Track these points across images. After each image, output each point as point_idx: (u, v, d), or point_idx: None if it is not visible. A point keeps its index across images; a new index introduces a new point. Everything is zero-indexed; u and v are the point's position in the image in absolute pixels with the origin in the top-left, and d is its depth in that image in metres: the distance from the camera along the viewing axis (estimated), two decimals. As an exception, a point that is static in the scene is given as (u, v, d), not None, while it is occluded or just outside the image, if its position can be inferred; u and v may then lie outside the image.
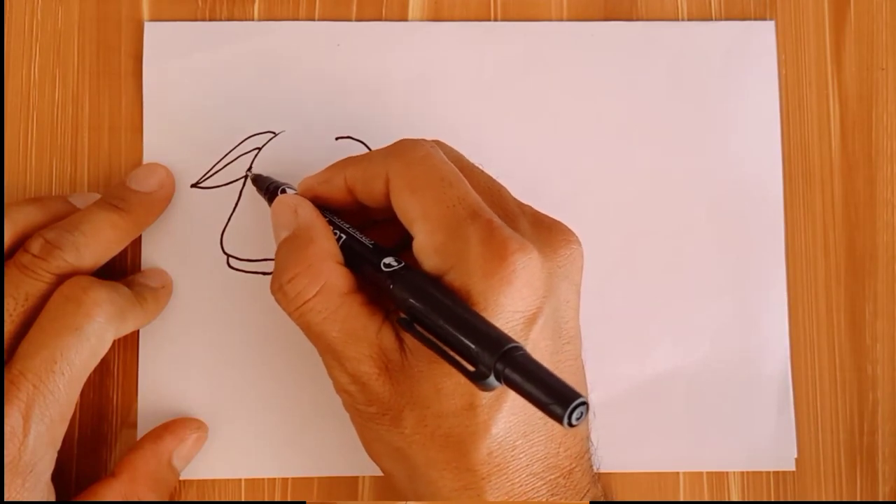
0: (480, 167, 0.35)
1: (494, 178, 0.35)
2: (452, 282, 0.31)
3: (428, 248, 0.32)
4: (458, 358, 0.29)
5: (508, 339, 0.29)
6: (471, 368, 0.29)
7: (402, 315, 0.31)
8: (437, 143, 0.35)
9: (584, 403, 0.26)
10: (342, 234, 0.34)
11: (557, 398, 0.26)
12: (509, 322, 0.31)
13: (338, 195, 0.35)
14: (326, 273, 0.32)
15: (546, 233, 0.33)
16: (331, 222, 0.35)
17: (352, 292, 0.33)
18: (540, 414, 0.31)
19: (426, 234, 0.32)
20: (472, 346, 0.29)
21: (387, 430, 0.32)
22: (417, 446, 0.32)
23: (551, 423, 0.31)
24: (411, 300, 0.31)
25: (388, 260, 0.32)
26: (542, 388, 0.27)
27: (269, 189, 0.37)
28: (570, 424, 0.26)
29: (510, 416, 0.31)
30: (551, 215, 0.34)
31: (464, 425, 0.31)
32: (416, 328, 0.31)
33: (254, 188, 0.39)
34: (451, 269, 0.31)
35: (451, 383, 0.31)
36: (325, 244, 0.33)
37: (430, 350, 0.30)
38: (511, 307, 0.31)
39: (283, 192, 0.36)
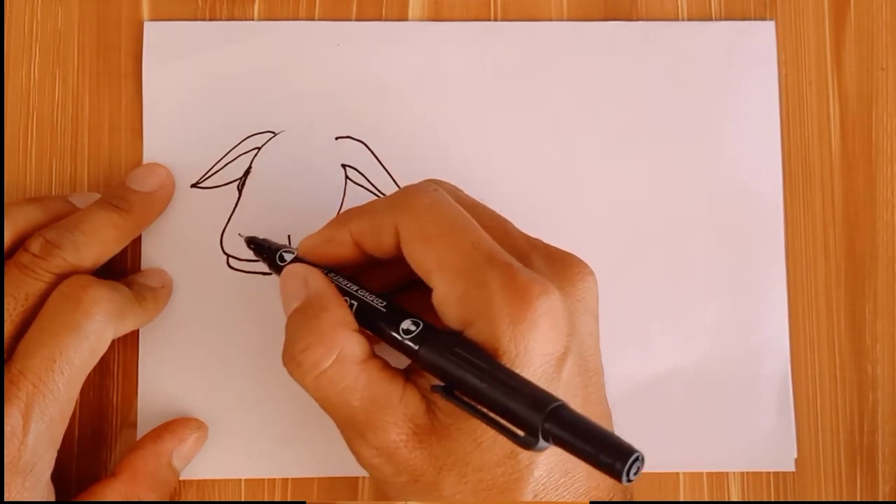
0: (483, 203, 0.35)
1: (499, 213, 0.34)
2: (478, 333, 0.30)
3: (450, 300, 0.31)
4: (502, 422, 0.28)
5: (551, 398, 0.28)
6: (518, 433, 0.28)
7: (437, 383, 0.30)
8: (439, 183, 0.34)
9: (640, 458, 0.26)
10: (353, 301, 0.33)
11: (614, 455, 0.26)
12: (541, 367, 0.30)
13: (343, 252, 0.34)
14: (342, 341, 0.31)
15: (560, 267, 0.33)
16: (340, 289, 0.33)
17: (369, 359, 0.32)
18: None
19: (446, 285, 0.31)
20: (515, 409, 0.28)
21: (422, 495, 0.31)
22: (454, 502, 0.31)
23: None
24: (442, 366, 0.30)
25: (406, 325, 0.31)
26: (597, 446, 0.26)
27: (268, 253, 0.36)
28: (629, 480, 0.26)
29: (551, 456, 0.31)
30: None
31: (507, 474, 0.30)
32: (456, 396, 0.30)
33: (254, 199, 0.39)
34: (476, 320, 0.30)
35: (490, 435, 0.30)
36: (337, 312, 0.32)
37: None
38: (541, 351, 0.30)
39: (282, 258, 0.35)
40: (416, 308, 0.32)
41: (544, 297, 0.30)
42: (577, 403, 0.31)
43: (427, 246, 0.31)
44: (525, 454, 0.30)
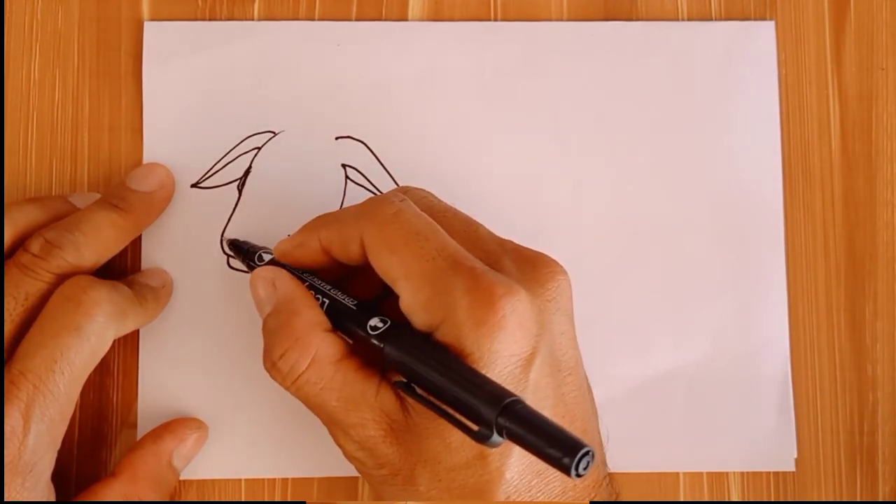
0: (453, 206, 0.35)
1: (470, 217, 0.35)
2: (444, 336, 0.31)
3: (415, 306, 0.31)
4: (459, 417, 0.29)
5: (507, 393, 0.28)
6: (474, 428, 0.28)
7: (400, 378, 0.31)
8: (406, 190, 0.35)
9: (590, 452, 0.26)
10: (325, 299, 0.34)
11: (563, 449, 0.26)
12: (507, 367, 0.30)
13: (314, 257, 0.35)
14: (316, 343, 0.32)
15: (531, 268, 0.33)
16: (311, 286, 0.34)
17: (344, 358, 0.33)
18: None
19: (411, 293, 0.31)
20: (471, 404, 0.28)
21: (401, 490, 0.32)
22: (436, 502, 0.31)
23: None
24: (404, 361, 0.31)
25: (373, 322, 0.32)
26: (547, 440, 0.27)
27: (246, 255, 0.37)
28: (578, 475, 0.26)
29: (522, 458, 0.31)
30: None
31: (477, 475, 0.31)
32: (414, 390, 0.30)
33: (254, 199, 0.39)
34: (441, 324, 0.31)
35: (458, 436, 0.30)
36: (309, 314, 0.33)
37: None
38: (506, 352, 0.30)
39: (261, 258, 0.36)
40: (394, 315, 0.33)
41: (508, 298, 0.30)
42: (548, 404, 0.31)
43: (392, 255, 0.32)
44: (494, 456, 0.31)
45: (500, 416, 0.28)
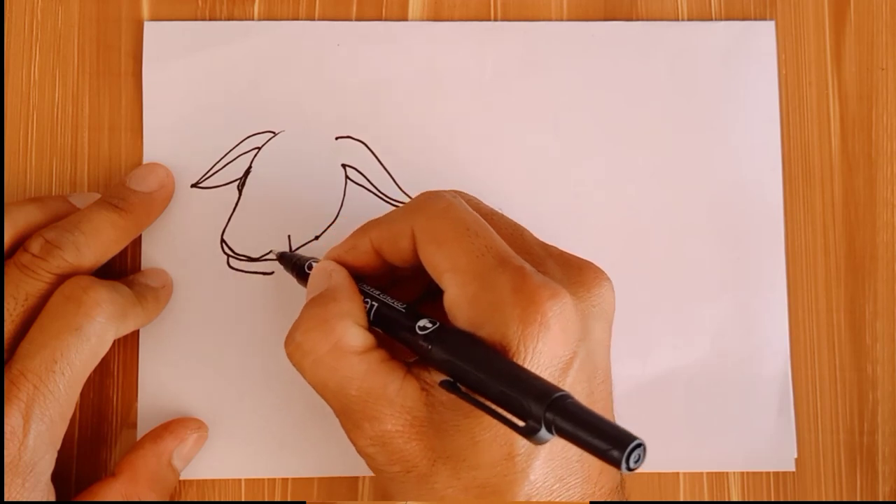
0: (500, 211, 0.35)
1: (516, 221, 0.35)
2: (489, 333, 0.30)
3: (461, 301, 0.31)
4: (505, 414, 0.29)
5: (555, 389, 0.28)
6: (520, 423, 0.28)
7: (445, 378, 0.31)
8: (458, 192, 0.35)
9: (641, 445, 0.26)
10: (374, 303, 0.34)
11: (614, 443, 0.26)
12: (547, 369, 0.30)
13: (366, 259, 0.34)
14: (340, 331, 0.32)
15: (577, 273, 0.33)
16: (362, 291, 0.34)
17: (368, 351, 0.32)
18: (576, 457, 0.31)
19: (458, 287, 0.31)
20: (519, 400, 0.28)
21: (414, 487, 0.32)
22: (449, 500, 0.31)
23: (587, 465, 0.32)
24: (451, 360, 0.30)
25: (422, 322, 0.32)
26: (597, 435, 0.26)
27: (296, 265, 0.37)
28: (629, 469, 0.26)
29: (548, 461, 0.31)
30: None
31: (501, 475, 0.31)
32: (460, 389, 0.30)
33: (254, 199, 0.39)
34: (486, 322, 0.31)
35: (489, 435, 0.30)
36: (345, 305, 0.33)
37: (469, 405, 0.30)
38: (549, 353, 0.30)
39: (310, 266, 0.36)
40: (437, 318, 0.33)
41: (554, 301, 0.30)
42: None
43: (440, 248, 0.32)
44: (521, 457, 0.30)
45: (549, 410, 0.27)
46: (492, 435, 0.30)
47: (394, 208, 0.39)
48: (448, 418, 0.31)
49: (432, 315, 0.32)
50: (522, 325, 0.30)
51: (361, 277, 0.35)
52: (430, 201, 0.33)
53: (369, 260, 0.34)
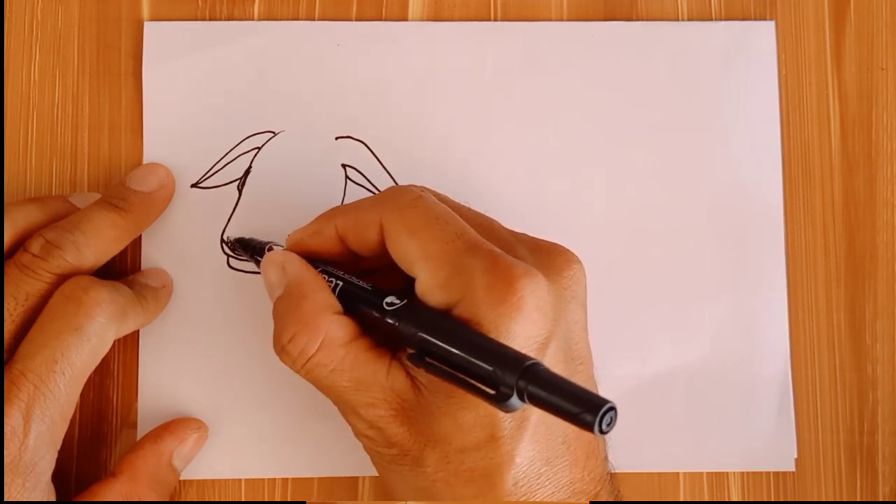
0: (468, 205, 0.35)
1: (484, 213, 0.35)
2: (461, 314, 0.31)
3: (432, 286, 0.31)
4: (476, 384, 0.29)
5: (525, 357, 0.28)
6: (491, 392, 0.28)
7: (411, 351, 0.31)
8: (425, 188, 0.35)
9: (613, 409, 0.26)
10: (338, 282, 0.34)
11: (585, 406, 0.26)
12: (522, 349, 0.30)
13: (328, 246, 0.35)
14: (325, 326, 0.32)
15: (546, 256, 0.33)
16: (324, 271, 0.34)
17: (354, 339, 0.33)
18: (560, 438, 0.31)
19: (429, 273, 0.31)
20: (490, 368, 0.28)
21: (409, 470, 0.32)
22: (442, 484, 0.31)
23: (572, 447, 0.32)
24: (420, 333, 0.31)
25: (389, 299, 0.32)
26: (569, 399, 0.26)
27: (254, 250, 0.37)
28: (602, 431, 0.26)
29: (533, 444, 0.31)
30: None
31: (488, 458, 0.31)
32: (427, 361, 0.30)
33: (254, 199, 0.39)
34: (458, 303, 0.31)
35: (471, 416, 0.31)
36: (318, 297, 0.33)
37: (446, 384, 0.30)
38: (523, 333, 0.30)
39: (270, 249, 0.36)
40: None
41: (527, 279, 0.30)
42: None
43: (412, 237, 0.32)
44: (505, 440, 0.31)
45: (521, 378, 0.27)
46: (473, 416, 0.30)
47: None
48: (433, 401, 0.31)
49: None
50: (494, 306, 0.30)
51: (320, 261, 0.35)
52: (400, 193, 0.33)
53: (331, 247, 0.35)
